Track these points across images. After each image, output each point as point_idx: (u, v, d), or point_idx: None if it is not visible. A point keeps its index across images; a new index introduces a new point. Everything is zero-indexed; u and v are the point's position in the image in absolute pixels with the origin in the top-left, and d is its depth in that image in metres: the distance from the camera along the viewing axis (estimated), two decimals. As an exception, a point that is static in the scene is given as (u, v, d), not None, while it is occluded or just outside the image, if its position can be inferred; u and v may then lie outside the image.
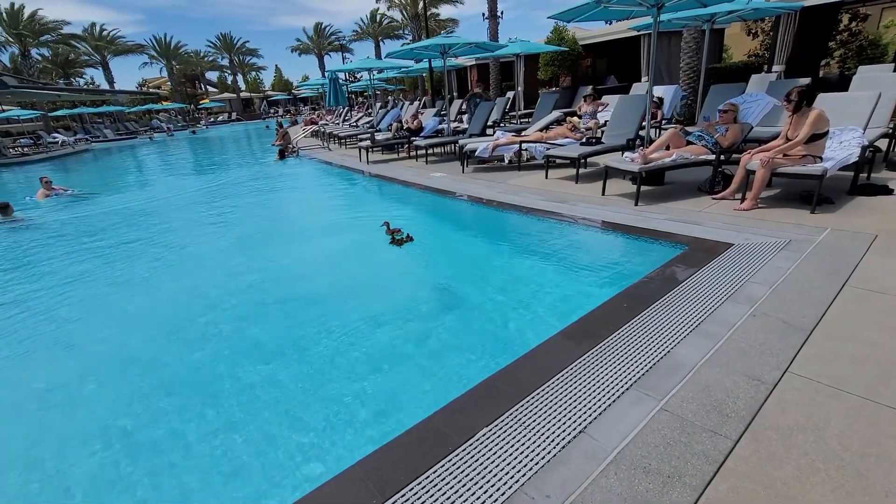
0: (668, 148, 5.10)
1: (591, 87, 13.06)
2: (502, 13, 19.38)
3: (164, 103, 47.31)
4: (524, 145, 7.41)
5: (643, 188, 5.42)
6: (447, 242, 5.38)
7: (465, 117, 12.27)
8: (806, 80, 6.49)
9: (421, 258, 4.76)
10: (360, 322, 3.33)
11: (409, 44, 19.35)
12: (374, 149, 10.87)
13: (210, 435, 2.38)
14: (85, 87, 38.85)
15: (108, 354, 3.41)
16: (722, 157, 4.85)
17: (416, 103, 14.44)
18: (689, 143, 5.07)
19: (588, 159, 6.94)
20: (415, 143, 9.22)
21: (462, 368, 2.72)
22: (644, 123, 6.10)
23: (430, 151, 9.40)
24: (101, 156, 22.11)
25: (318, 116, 22.78)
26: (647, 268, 3.34)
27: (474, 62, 20.48)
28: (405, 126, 10.28)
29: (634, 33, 11.47)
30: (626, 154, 5.29)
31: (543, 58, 15.15)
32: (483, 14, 19.29)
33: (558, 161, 6.99)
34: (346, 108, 18.79)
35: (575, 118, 7.54)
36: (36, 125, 31.10)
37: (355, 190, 8.66)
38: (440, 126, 10.78)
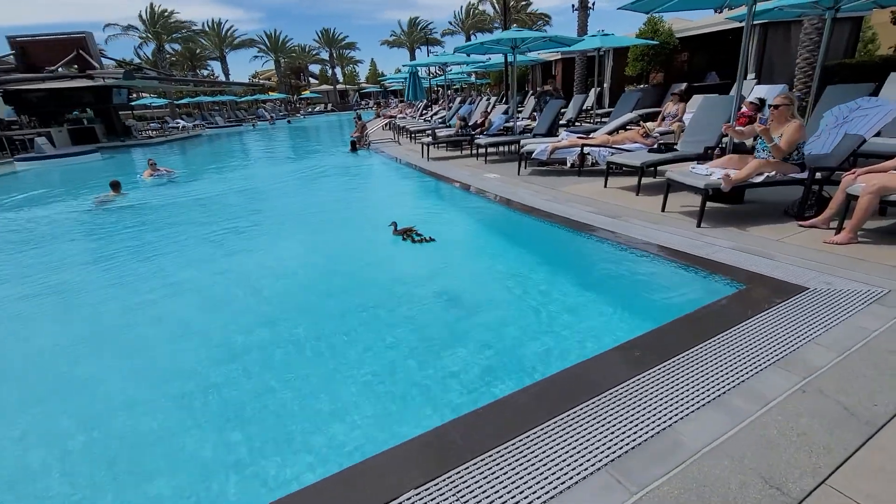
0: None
1: (684, 84, 11.78)
2: (594, 4, 18.20)
3: (271, 94, 51.73)
4: (587, 149, 6.79)
5: (716, 206, 4.69)
6: (472, 248, 5.08)
7: (538, 115, 11.72)
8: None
9: (434, 260, 4.57)
10: (334, 317, 3.20)
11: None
12: (439, 145, 10.77)
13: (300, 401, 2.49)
14: (205, 78, 43.63)
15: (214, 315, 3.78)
16: (817, 174, 3.98)
17: (488, 99, 14.08)
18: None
19: (657, 168, 6.22)
20: (475, 141, 8.93)
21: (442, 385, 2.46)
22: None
23: (490, 150, 9.06)
24: (209, 141, 24.67)
25: (399, 110, 23.29)
26: (684, 307, 2.80)
27: (559, 56, 19.52)
28: (470, 123, 10.01)
29: (738, 24, 10.04)
30: (695, 166, 4.56)
31: (633, 52, 13.94)
32: (573, 5, 18.25)
33: (625, 169, 6.30)
34: (425, 103, 18.94)
35: (649, 123, 6.74)
36: (164, 111, 35.58)
37: (405, 186, 8.63)
38: (508, 124, 10.37)
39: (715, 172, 4.23)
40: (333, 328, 3.34)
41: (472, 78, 24.72)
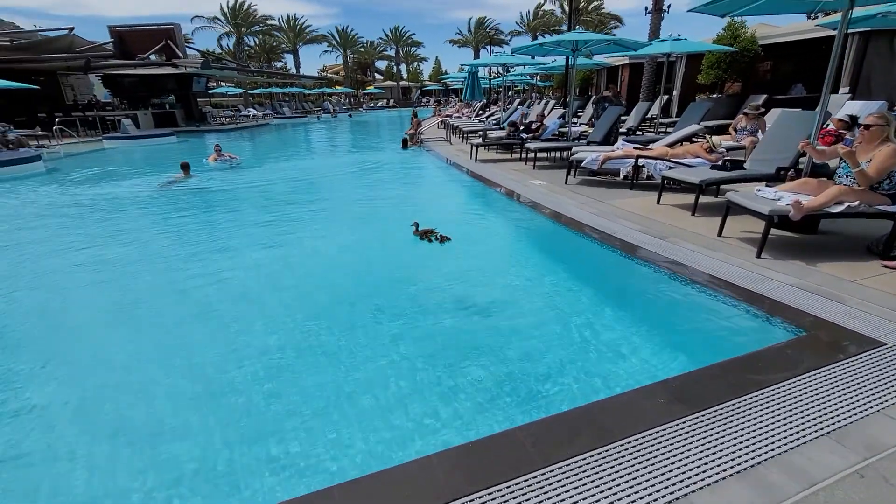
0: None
1: (764, 96, 10.80)
2: (668, 7, 17.13)
3: (337, 87, 53.64)
4: (642, 161, 6.34)
5: (783, 234, 4.19)
6: (497, 255, 4.84)
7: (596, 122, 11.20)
8: None
9: (448, 260, 4.50)
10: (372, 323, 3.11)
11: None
12: (490, 147, 10.58)
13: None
14: (278, 70, 45.90)
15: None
16: (912, 209, 3.41)
17: (546, 102, 13.66)
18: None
19: (720, 187, 5.70)
20: (525, 145, 8.64)
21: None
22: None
23: (540, 156, 8.74)
24: (275, 129, 25.87)
25: (456, 109, 23.25)
26: (726, 350, 2.47)
27: (627, 61, 18.62)
28: (522, 126, 9.72)
29: (831, 32, 9.00)
30: (761, 188, 4.08)
31: (708, 59, 12.98)
32: (646, 8, 17.32)
33: (682, 185, 5.81)
34: (482, 103, 18.74)
35: (715, 137, 6.18)
36: (237, 100, 37.84)
37: (446, 186, 8.51)
38: (563, 129, 9.98)
39: (784, 197, 3.76)
40: (355, 321, 3.28)
41: (536, 80, 24.18)
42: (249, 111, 32.13)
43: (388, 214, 6.63)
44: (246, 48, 41.71)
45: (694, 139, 7.08)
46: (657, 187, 5.82)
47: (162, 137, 18.29)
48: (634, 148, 6.93)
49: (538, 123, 9.47)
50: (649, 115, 12.31)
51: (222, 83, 35.38)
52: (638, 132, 10.66)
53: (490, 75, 17.71)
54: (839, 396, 2.01)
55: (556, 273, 4.29)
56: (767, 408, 1.96)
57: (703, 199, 5.23)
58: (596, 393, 2.36)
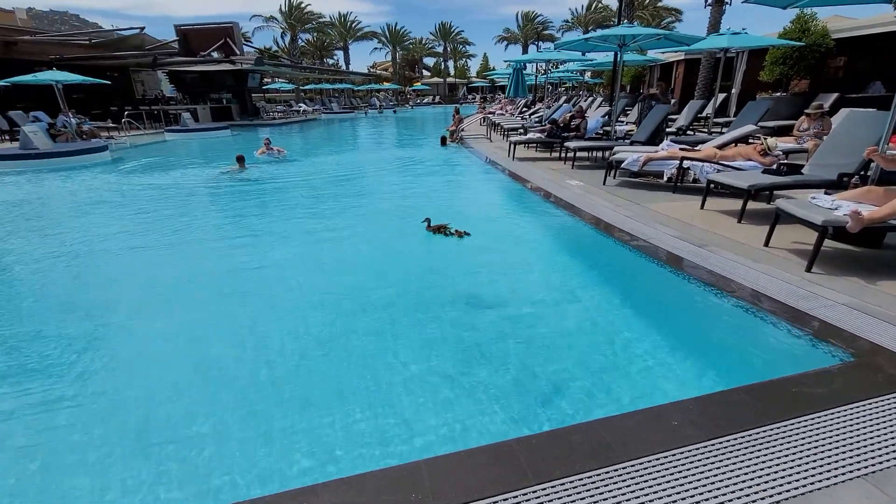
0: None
1: (835, 95, 9.92)
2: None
3: (385, 84, 54.46)
4: (687, 163, 5.97)
5: (840, 247, 3.83)
6: (520, 254, 4.69)
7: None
8: None
9: (463, 259, 4.43)
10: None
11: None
12: (529, 145, 10.38)
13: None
14: (327, 67, 47.17)
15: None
16: None
17: (592, 100, 13.19)
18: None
19: (774, 193, 5.28)
20: (565, 144, 8.38)
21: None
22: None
23: (580, 155, 8.46)
24: (322, 124, 26.65)
25: (500, 106, 22.98)
26: (758, 371, 2.28)
27: (682, 57, 17.67)
28: (563, 124, 9.44)
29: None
30: (817, 195, 3.72)
31: (772, 54, 12.07)
32: (706, 0, 16.34)
33: (731, 190, 5.42)
34: (526, 100, 18.41)
35: (771, 139, 5.70)
36: (290, 95, 39.24)
37: (479, 183, 8.40)
38: (607, 128, 9.61)
39: (842, 206, 3.41)
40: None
41: (585, 77, 23.39)
42: (300, 106, 33.28)
43: (414, 210, 6.63)
44: (302, 45, 43.16)
45: (750, 140, 6.60)
46: (703, 191, 5.46)
47: (217, 130, 19.30)
48: (681, 149, 6.55)
49: (579, 120, 9.16)
50: (703, 115, 11.62)
51: (277, 79, 36.85)
52: (689, 132, 10.07)
53: (537, 72, 17.24)
54: (884, 434, 1.79)
55: (580, 276, 4.12)
56: (796, 440, 1.77)
57: (753, 205, 4.87)
58: (604, 408, 2.24)
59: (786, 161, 5.82)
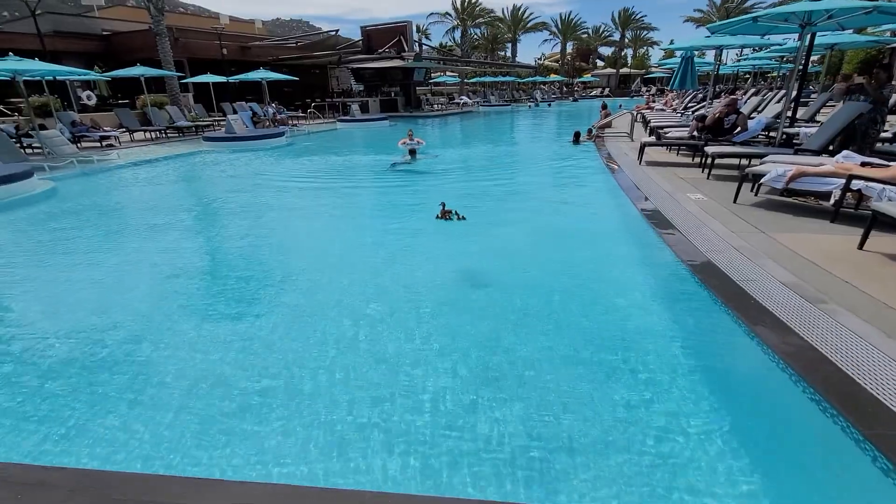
0: None
1: None
2: None
3: (551, 76, 53.05)
4: (858, 183, 4.37)
5: None
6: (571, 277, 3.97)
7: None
8: None
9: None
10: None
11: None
12: (671, 148, 8.99)
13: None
14: (491, 60, 47.92)
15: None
16: None
17: (760, 96, 10.63)
18: None
19: None
20: (705, 148, 6.94)
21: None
22: None
23: (725, 162, 6.93)
24: (475, 117, 27.34)
25: (666, 101, 20.28)
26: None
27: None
28: (709, 123, 7.84)
29: None
30: None
31: None
32: None
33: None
34: (693, 93, 15.85)
35: None
36: (454, 88, 41.19)
37: (579, 189, 7.55)
38: (774, 130, 7.65)
39: None
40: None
41: (781, 64, 18.92)
42: (462, 99, 34.66)
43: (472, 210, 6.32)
44: (474, 38, 44.82)
45: None
46: (867, 223, 3.94)
47: (379, 121, 21.50)
48: (861, 164, 4.84)
49: (734, 117, 7.49)
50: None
51: (446, 73, 39.06)
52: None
53: (717, 60, 14.51)
54: None
55: (642, 318, 3.30)
56: None
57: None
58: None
59: None
